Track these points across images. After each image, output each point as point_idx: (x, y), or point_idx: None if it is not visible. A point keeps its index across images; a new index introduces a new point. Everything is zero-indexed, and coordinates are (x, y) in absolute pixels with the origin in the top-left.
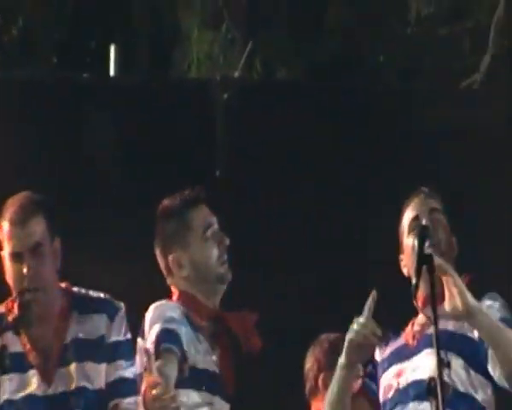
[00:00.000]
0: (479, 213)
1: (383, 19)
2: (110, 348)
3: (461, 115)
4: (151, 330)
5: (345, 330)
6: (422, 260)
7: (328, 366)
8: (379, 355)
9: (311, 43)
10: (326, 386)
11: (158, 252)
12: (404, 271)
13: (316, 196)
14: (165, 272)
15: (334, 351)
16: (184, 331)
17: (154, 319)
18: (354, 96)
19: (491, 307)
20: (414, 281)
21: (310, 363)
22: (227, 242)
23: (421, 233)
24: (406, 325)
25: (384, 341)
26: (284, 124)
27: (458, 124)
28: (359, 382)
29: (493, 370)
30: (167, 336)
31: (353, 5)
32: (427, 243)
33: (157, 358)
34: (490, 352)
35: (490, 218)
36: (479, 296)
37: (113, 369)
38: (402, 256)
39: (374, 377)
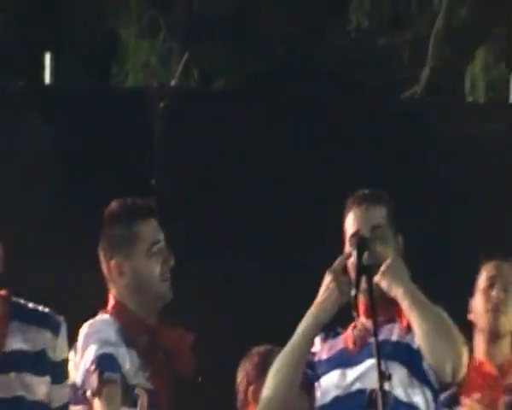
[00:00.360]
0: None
1: (323, 29)
2: (59, 366)
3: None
4: (87, 351)
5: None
6: (361, 271)
7: (257, 378)
8: (318, 351)
9: (248, 52)
10: (256, 399)
11: (101, 255)
12: (350, 270)
13: (254, 201)
14: (106, 276)
15: (264, 364)
16: (120, 352)
17: (90, 339)
18: (292, 104)
19: None
20: (353, 292)
21: (240, 376)
22: (172, 261)
23: (360, 245)
24: (346, 326)
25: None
26: (221, 132)
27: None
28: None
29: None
30: (107, 363)
31: (294, 16)
32: (365, 254)
33: (101, 388)
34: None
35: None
36: None
37: (63, 389)
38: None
39: (313, 367)
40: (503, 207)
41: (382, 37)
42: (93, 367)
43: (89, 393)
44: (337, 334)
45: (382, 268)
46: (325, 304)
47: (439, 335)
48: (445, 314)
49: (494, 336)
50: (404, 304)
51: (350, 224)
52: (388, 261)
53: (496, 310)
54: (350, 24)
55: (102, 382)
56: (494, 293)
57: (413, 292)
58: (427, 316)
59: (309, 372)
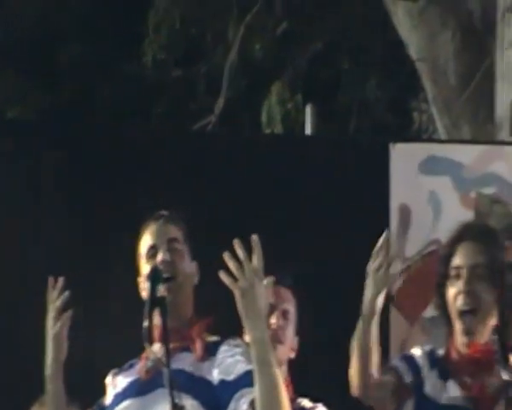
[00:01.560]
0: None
1: (117, 61)
2: None
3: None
4: None
5: None
6: (155, 302)
7: None
8: (111, 388)
9: (43, 82)
10: None
11: None
12: (143, 294)
13: (46, 232)
14: None
15: None
16: None
17: None
18: (91, 135)
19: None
20: (145, 323)
21: None
22: None
23: (154, 276)
24: (140, 357)
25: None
26: (14, 161)
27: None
28: None
29: None
30: None
31: (89, 47)
32: (159, 287)
33: None
34: (239, 400)
35: None
36: None
37: None
38: (140, 279)
39: None
40: (297, 238)
41: (178, 69)
42: None
43: None
44: (131, 366)
45: (238, 301)
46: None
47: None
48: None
49: None
50: (252, 352)
51: (146, 240)
52: (239, 296)
53: (274, 339)
54: (145, 56)
55: None
56: (274, 320)
57: (260, 349)
58: (268, 391)
59: None
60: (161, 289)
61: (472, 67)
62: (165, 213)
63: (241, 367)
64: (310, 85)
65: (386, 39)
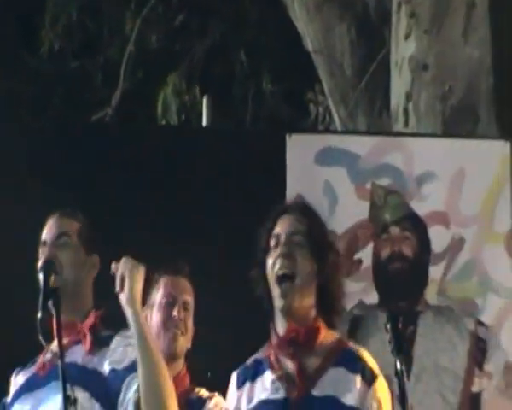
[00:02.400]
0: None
1: (13, 51)
2: None
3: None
4: None
5: None
6: (48, 294)
7: None
8: (13, 386)
9: None
10: None
11: None
12: None
13: None
14: None
15: None
16: None
17: None
18: None
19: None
20: (39, 315)
21: None
22: None
23: (46, 268)
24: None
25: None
26: None
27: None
28: None
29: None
30: None
31: None
32: (52, 277)
33: None
34: (129, 384)
35: None
36: None
37: None
38: None
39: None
40: (194, 230)
41: (75, 60)
42: None
43: None
44: (34, 362)
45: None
46: None
47: (152, 394)
48: (164, 370)
49: (171, 358)
50: (132, 328)
51: (42, 235)
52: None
53: (176, 330)
54: (42, 46)
55: None
56: (175, 313)
57: (139, 322)
58: (148, 371)
59: None
60: (54, 280)
61: (368, 58)
62: (64, 209)
63: (132, 355)
64: (206, 77)
65: (281, 31)
